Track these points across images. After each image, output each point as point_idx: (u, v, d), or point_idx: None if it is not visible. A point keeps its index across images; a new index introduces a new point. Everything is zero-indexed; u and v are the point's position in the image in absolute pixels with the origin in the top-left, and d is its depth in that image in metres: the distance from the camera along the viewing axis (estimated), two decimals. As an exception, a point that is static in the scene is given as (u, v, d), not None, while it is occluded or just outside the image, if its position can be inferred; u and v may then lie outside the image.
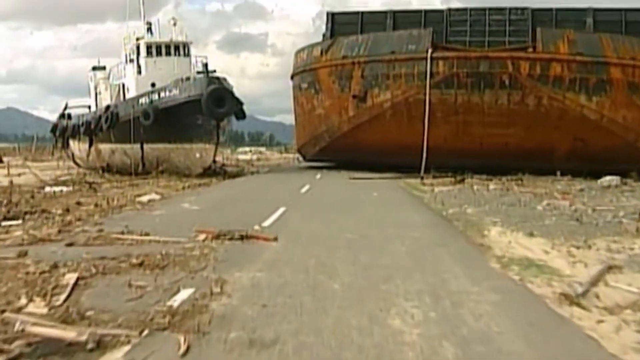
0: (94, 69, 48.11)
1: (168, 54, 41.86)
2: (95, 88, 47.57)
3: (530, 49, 35.51)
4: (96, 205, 18.50)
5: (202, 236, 11.54)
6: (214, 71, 38.03)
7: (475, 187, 28.27)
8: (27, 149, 78.67)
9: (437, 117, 36.00)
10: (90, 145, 44.98)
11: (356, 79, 37.61)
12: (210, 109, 34.59)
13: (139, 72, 41.66)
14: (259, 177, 36.75)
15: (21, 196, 23.35)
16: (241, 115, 42.11)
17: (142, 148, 39.04)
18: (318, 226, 13.72)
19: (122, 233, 12.07)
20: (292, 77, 45.64)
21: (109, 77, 45.73)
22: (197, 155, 37.27)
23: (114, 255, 9.68)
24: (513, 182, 31.21)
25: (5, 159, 69.47)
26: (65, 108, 52.82)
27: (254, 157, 78.49)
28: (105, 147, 43.42)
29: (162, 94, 36.91)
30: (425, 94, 35.10)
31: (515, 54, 35.33)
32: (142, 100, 37.98)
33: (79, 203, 19.62)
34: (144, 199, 20.86)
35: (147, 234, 11.96)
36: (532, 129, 35.58)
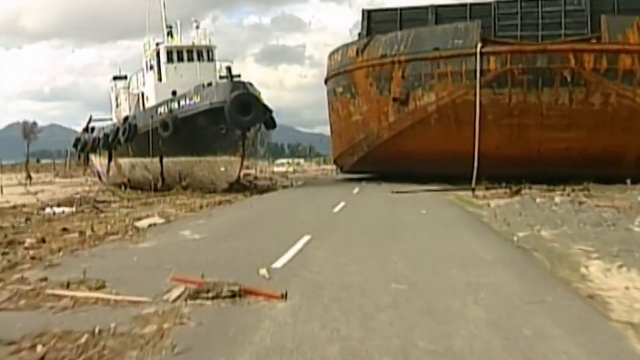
0: (115, 78, 45.39)
1: (190, 59, 38.72)
2: (116, 99, 44.80)
3: (594, 40, 31.09)
4: (81, 233, 15.10)
5: (176, 291, 7.83)
6: (239, 76, 34.67)
7: (537, 200, 24.16)
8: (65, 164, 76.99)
9: (488, 121, 31.84)
10: (109, 160, 42.10)
11: (396, 79, 33.74)
12: (234, 117, 31.16)
13: (159, 79, 38.63)
14: (290, 192, 33.06)
15: (15, 219, 20.42)
16: (271, 124, 38.67)
17: (161, 162, 35.86)
18: (349, 268, 9.78)
19: (68, 285, 8.47)
20: (325, 82, 42.02)
21: (129, 87, 42.82)
22: (222, 168, 33.86)
23: (17, 333, 6.01)
24: (580, 193, 26.95)
25: (38, 174, 68.56)
26: (90, 121, 50.24)
27: (290, 169, 75.08)
28: (125, 161, 40.46)
29: (182, 102, 33.67)
30: (474, 95, 31.02)
31: (578, 45, 30.92)
32: (161, 109, 34.83)
33: (65, 229, 16.33)
34: (144, 223, 17.34)
35: (101, 287, 8.35)
36: (597, 131, 31.15)
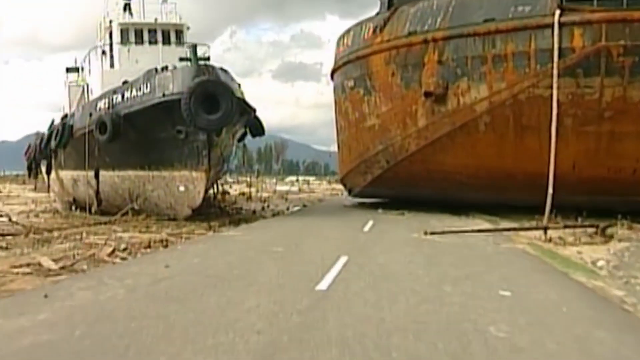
0: (68, 70, 35.75)
1: (152, 41, 29.13)
2: (69, 95, 35.24)
3: None
4: None
5: None
6: (207, 59, 24.88)
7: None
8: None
9: (565, 127, 21.65)
10: (48, 172, 32.48)
11: (430, 66, 23.55)
12: (195, 114, 21.36)
13: (112, 65, 29.03)
14: (272, 228, 22.03)
15: None
16: (257, 129, 28.88)
17: (96, 177, 26.10)
18: None
19: None
20: (332, 75, 31.93)
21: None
22: (181, 188, 23.94)
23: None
24: None
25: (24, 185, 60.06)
26: (51, 125, 40.68)
27: (295, 187, 64.87)
28: (65, 174, 30.77)
29: (127, 94, 23.86)
30: (550, 87, 20.89)
31: None
32: (101, 104, 25.05)
33: None
34: None
35: None
36: None
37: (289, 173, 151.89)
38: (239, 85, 25.78)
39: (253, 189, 54.45)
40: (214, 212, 28.86)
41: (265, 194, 53.22)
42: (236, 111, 22.73)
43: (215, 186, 36.72)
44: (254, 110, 26.43)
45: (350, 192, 32.84)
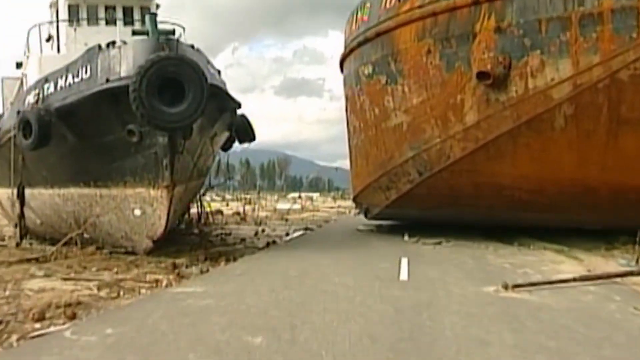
0: (18, 66, 29.06)
1: (110, 21, 22.58)
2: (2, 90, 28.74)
3: None
4: None
5: None
6: (172, 32, 18.08)
7: None
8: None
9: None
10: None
11: (485, 37, 16.54)
12: (147, 106, 14.63)
13: (58, 50, 22.56)
14: (257, 272, 14.36)
15: None
16: (247, 133, 22.25)
17: (20, 195, 19.39)
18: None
19: None
20: (341, 64, 25.05)
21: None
22: (137, 212, 17.14)
23: None
24: None
25: None
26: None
27: (297, 205, 57.86)
28: (1, 192, 23.99)
29: (62, 82, 17.16)
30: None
31: None
32: (30, 97, 18.31)
33: None
34: None
35: None
36: None
37: (293, 189, 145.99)
38: (219, 72, 19.20)
39: (250, 208, 47.79)
40: (191, 240, 22.22)
41: (263, 213, 46.47)
42: (212, 104, 16.05)
43: (199, 205, 30.28)
44: (239, 105, 19.72)
45: (366, 213, 25.48)
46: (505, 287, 10.75)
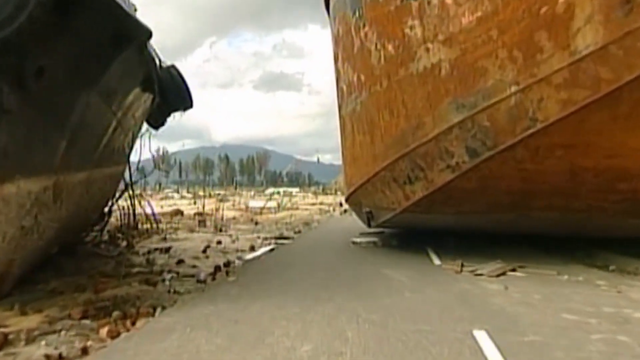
0: None
1: None
2: None
3: None
4: None
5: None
6: None
7: None
8: None
9: None
10: None
11: None
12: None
13: None
14: None
15: None
16: (180, 94, 13.83)
17: None
18: None
19: None
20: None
21: None
22: None
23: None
24: None
25: None
26: None
27: (273, 203, 48.79)
28: None
29: None
30: None
31: None
32: None
33: None
34: None
35: None
36: None
37: (273, 184, 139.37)
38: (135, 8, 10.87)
39: (213, 207, 39.08)
40: (94, 265, 13.63)
41: (232, 213, 37.94)
42: (90, 21, 7.55)
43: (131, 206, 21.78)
44: (148, 35, 11.03)
45: (369, 220, 16.37)
46: None
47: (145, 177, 22.87)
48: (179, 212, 36.74)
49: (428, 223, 14.38)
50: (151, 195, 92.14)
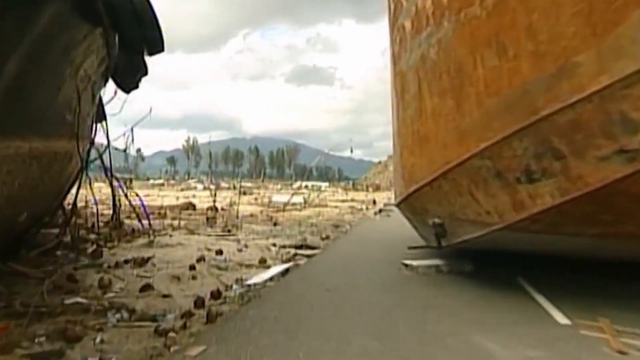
0: None
1: None
2: None
3: None
4: None
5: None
6: None
7: None
8: None
9: None
10: None
11: None
12: None
13: None
14: None
15: None
16: (149, 30, 8.34)
17: None
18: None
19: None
20: None
21: None
22: None
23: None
24: None
25: None
26: None
27: (297, 199, 42.94)
28: None
29: None
30: None
31: None
32: None
33: None
34: None
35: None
36: None
37: (302, 178, 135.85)
38: None
39: (227, 202, 34.17)
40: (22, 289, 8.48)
41: (250, 209, 32.93)
42: None
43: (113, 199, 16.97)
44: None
45: (439, 238, 9.77)
46: None
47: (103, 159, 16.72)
48: (191, 206, 31.79)
49: (540, 247, 8.70)
50: (173, 185, 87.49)
